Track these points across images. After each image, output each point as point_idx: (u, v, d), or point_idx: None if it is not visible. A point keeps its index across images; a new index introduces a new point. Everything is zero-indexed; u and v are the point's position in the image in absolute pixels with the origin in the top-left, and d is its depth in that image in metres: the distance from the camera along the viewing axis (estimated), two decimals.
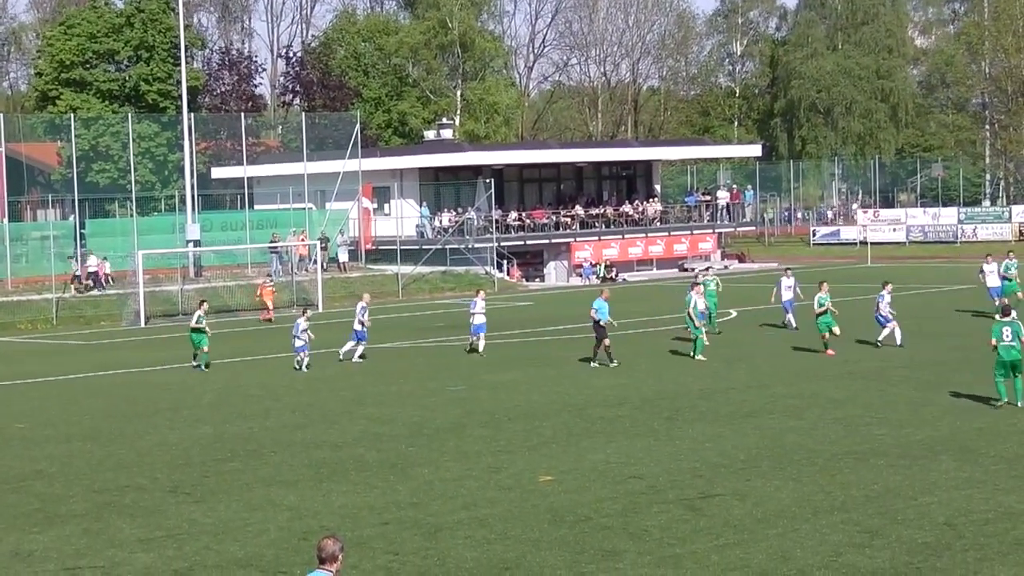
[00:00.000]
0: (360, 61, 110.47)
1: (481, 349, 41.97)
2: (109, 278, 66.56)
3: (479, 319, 42.39)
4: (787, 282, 46.41)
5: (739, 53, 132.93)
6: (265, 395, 35.71)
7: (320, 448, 27.45)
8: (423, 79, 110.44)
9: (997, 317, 30.07)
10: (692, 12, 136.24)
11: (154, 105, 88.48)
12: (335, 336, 45.08)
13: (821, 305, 38.71)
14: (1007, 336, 28.65)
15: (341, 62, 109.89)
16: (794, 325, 45.23)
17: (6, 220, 70.20)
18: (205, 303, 43.58)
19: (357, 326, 41.63)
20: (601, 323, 38.14)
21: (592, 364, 38.39)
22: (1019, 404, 28.74)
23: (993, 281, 48.14)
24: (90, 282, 65.53)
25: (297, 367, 40.08)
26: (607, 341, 38.34)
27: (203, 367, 40.98)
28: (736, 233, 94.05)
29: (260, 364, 43.22)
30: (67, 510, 22.62)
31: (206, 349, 41.06)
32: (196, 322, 41.38)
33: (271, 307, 58.84)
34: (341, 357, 41.61)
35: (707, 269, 48.13)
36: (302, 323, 40.19)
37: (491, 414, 30.92)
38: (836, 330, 38.83)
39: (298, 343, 40.14)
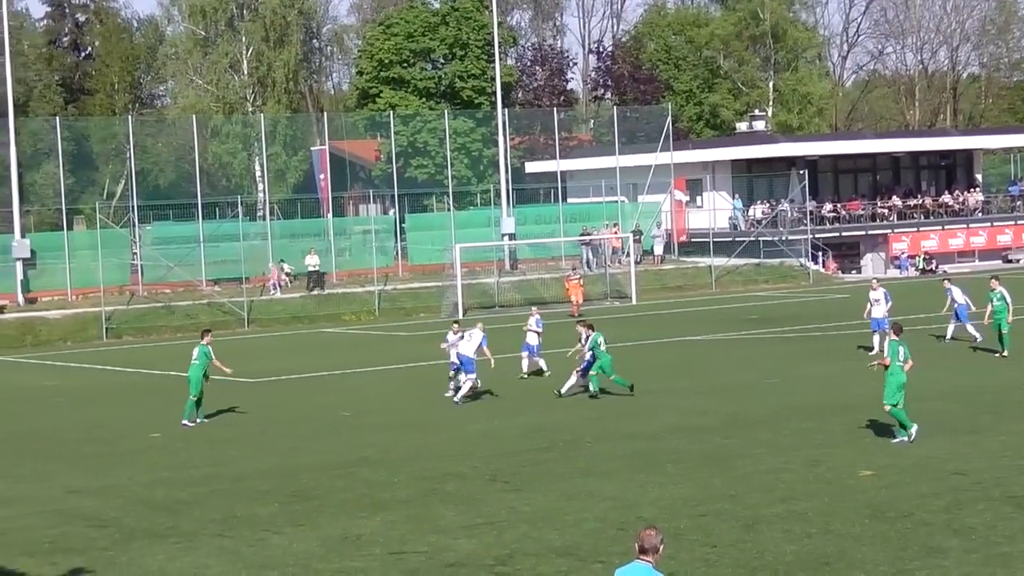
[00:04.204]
0: (671, 54, 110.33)
1: (544, 368, 38.46)
2: (288, 281, 65.99)
3: (532, 338, 38.24)
4: None
5: None
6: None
7: (636, 439, 27.55)
8: (734, 71, 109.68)
9: (894, 335, 26.77)
10: None
11: (469, 101, 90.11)
12: (646, 330, 45.14)
13: None
14: (901, 356, 25.96)
15: (651, 55, 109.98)
16: None
17: (330, 215, 72.60)
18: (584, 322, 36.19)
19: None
20: None
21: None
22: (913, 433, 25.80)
23: None
24: (274, 287, 64.86)
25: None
26: None
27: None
28: None
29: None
30: (392, 496, 23.25)
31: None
32: (590, 344, 34.24)
33: (577, 301, 58.55)
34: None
35: None
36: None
37: (809, 407, 30.51)
38: None
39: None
